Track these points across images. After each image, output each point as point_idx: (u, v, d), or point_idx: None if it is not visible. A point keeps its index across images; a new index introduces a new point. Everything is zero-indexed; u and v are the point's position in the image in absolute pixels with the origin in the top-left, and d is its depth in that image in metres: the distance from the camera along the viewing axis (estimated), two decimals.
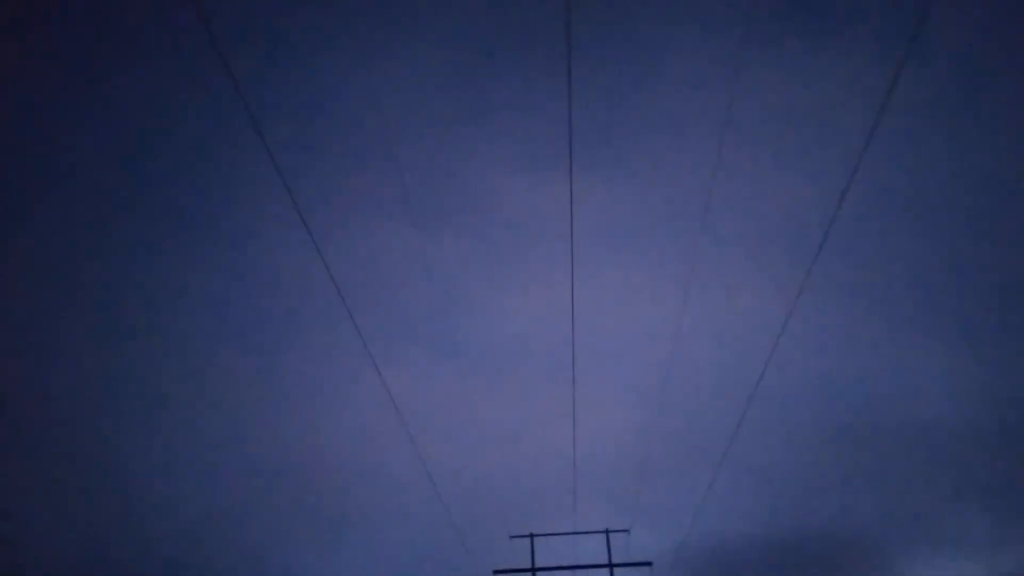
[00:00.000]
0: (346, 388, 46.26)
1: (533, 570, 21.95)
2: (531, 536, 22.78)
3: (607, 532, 22.64)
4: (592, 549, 22.99)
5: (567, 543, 26.70)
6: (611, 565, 21.85)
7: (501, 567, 22.00)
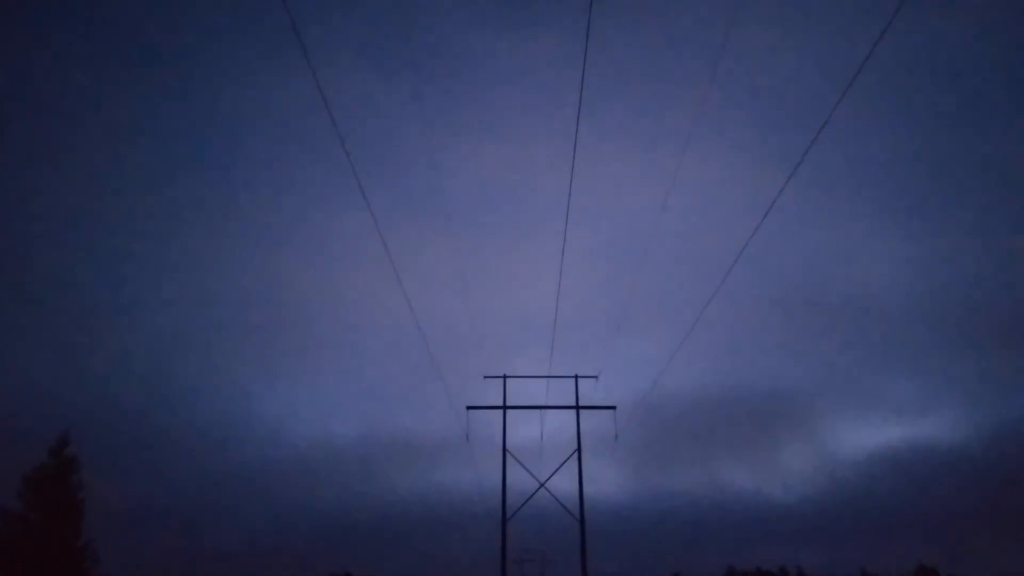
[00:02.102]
0: (335, 224, 46.42)
1: (504, 408, 23.25)
2: (504, 377, 23.92)
3: (576, 377, 23.80)
4: (565, 393, 24.24)
5: (538, 386, 28.06)
6: (578, 407, 23.18)
7: (474, 403, 23.27)
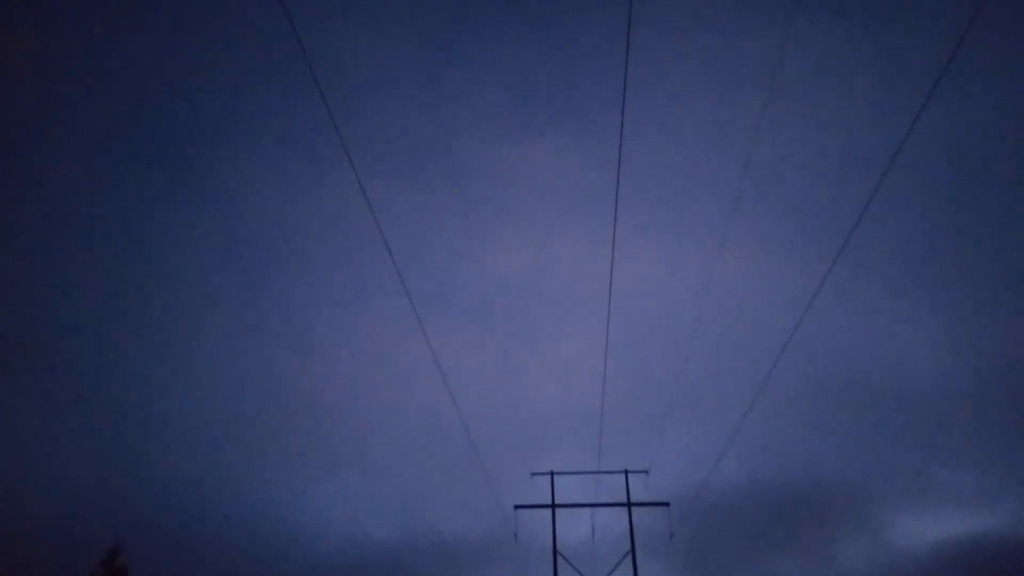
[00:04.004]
0: (380, 327, 46.96)
1: (553, 506, 22.67)
2: (551, 473, 23.44)
3: (626, 472, 23.21)
4: (612, 488, 23.65)
5: (587, 482, 27.43)
6: (629, 504, 22.49)
7: (522, 503, 22.75)
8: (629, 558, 21.76)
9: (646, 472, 23.47)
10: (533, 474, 23.70)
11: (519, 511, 22.64)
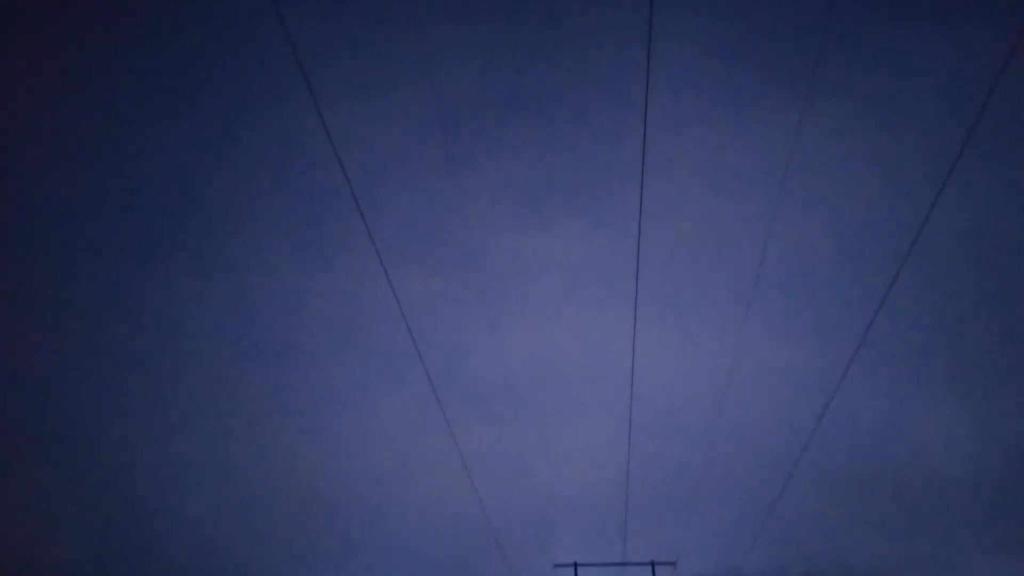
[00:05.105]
0: (395, 412, 46.90)
1: None
2: (575, 565, 22.68)
3: (652, 564, 22.40)
4: None
5: (611, 573, 26.47)
6: None
7: None
8: None
9: (673, 564, 22.63)
10: (556, 566, 22.93)
11: None
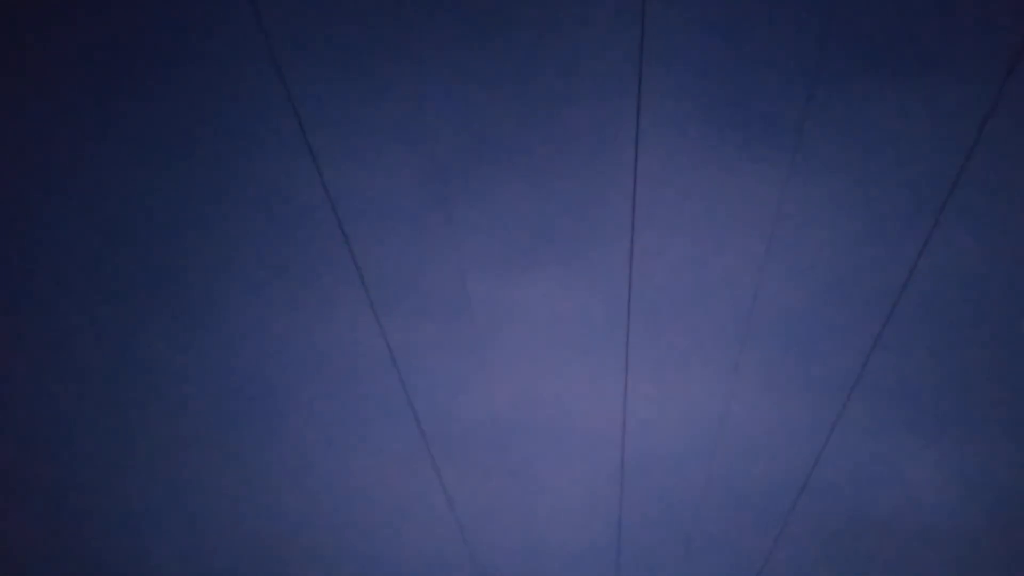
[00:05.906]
0: (382, 463, 46.45)
1: None
2: None
3: None
4: None
5: None
6: None
7: None
8: None
9: None
10: None
11: None
